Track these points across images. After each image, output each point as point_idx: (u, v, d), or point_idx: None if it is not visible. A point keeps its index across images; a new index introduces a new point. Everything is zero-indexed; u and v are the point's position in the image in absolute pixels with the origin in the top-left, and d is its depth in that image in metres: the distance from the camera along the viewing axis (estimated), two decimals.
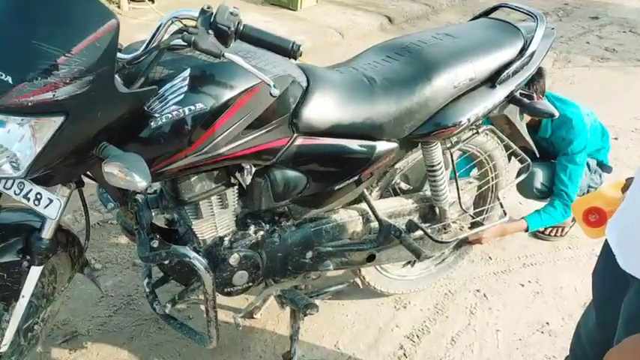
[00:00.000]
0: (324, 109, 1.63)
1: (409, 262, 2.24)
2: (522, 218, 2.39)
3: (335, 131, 1.67)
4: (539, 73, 2.22)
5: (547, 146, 2.46)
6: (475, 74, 1.82)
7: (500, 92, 1.89)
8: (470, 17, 2.22)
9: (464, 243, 2.30)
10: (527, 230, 2.41)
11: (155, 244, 1.60)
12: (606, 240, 1.43)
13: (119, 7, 4.76)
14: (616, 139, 3.72)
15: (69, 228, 1.66)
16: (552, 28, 2.06)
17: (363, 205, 1.92)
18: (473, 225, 2.13)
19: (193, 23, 1.35)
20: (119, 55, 1.34)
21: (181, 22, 1.39)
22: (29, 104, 1.16)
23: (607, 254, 1.38)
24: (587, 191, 2.58)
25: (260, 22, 4.86)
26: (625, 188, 1.45)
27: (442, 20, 5.91)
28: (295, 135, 1.60)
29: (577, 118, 2.40)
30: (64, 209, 1.44)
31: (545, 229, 2.75)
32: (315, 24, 5.17)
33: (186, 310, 2.18)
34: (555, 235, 2.75)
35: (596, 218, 1.45)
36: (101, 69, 1.21)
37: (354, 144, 1.71)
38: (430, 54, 1.82)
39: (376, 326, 2.20)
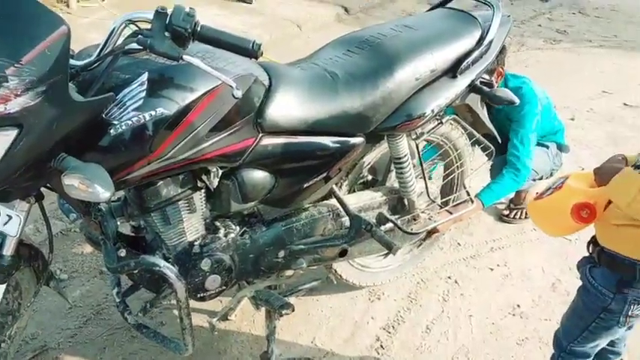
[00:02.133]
0: (288, 107, 1.61)
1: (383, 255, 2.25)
2: (475, 197, 2.28)
3: (300, 129, 1.65)
4: (502, 48, 2.21)
5: (504, 121, 2.46)
6: (436, 65, 1.83)
7: (462, 82, 1.91)
8: (426, 5, 2.23)
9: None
10: (483, 208, 2.35)
11: (122, 253, 1.56)
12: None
13: (68, 5, 4.61)
14: (572, 119, 3.82)
15: (31, 242, 1.61)
16: (508, 16, 2.09)
17: (333, 201, 1.91)
18: (441, 214, 2.15)
19: (148, 25, 1.31)
20: (72, 62, 1.29)
21: (136, 25, 1.35)
22: None
23: None
24: (551, 174, 2.63)
25: (215, 15, 4.78)
26: (599, 179, 1.46)
27: (398, 9, 5.94)
28: (261, 135, 1.58)
29: (526, 86, 2.43)
30: (24, 225, 1.39)
31: (510, 211, 2.80)
32: (271, 16, 5.12)
33: (159, 315, 2.14)
34: (520, 218, 2.80)
35: (588, 214, 1.43)
36: (54, 78, 1.16)
37: (320, 141, 1.70)
38: (390, 47, 1.82)
39: (352, 320, 2.21)
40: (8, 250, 1.42)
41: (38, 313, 2.11)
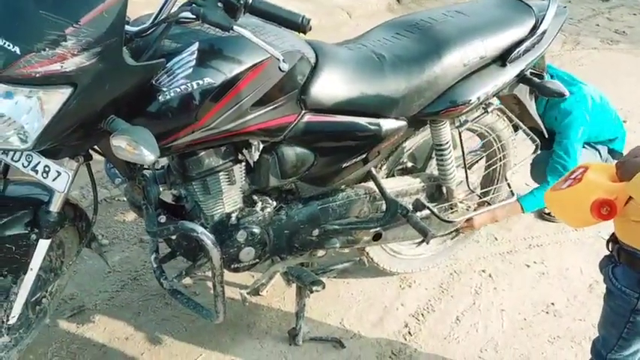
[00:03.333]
0: (332, 85, 1.62)
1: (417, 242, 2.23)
2: (516, 200, 2.23)
3: (343, 108, 1.66)
4: None
5: (552, 118, 2.38)
6: (486, 52, 1.80)
7: (511, 71, 1.87)
8: None
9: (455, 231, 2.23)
10: (522, 212, 2.32)
11: (162, 219, 1.60)
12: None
13: None
14: (625, 122, 3.68)
15: (77, 202, 1.67)
16: (564, 7, 2.03)
17: (371, 184, 1.91)
18: (480, 205, 2.13)
19: None
20: (127, 27, 1.33)
21: None
22: (37, 75, 1.15)
23: None
24: None
25: None
26: (621, 173, 1.41)
27: None
28: (303, 112, 1.59)
29: (572, 96, 2.27)
30: (72, 182, 1.44)
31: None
32: (322, 3, 5.12)
33: (193, 285, 2.19)
34: None
35: (608, 211, 1.38)
36: (109, 41, 1.20)
37: (362, 121, 1.70)
38: (440, 31, 1.80)
39: (381, 304, 2.21)
40: (55, 206, 1.48)
41: (78, 274, 2.19)
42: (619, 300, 1.47)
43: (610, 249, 1.50)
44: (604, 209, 1.35)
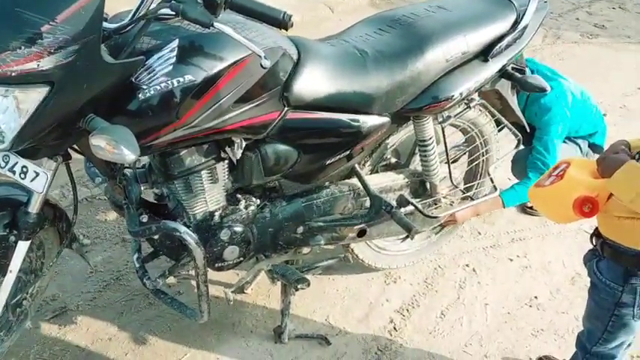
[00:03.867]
0: (315, 82, 1.61)
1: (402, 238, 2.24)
2: (498, 195, 2.23)
3: (326, 105, 1.65)
4: None
5: (532, 113, 2.39)
6: (468, 48, 1.81)
7: (493, 66, 1.88)
8: None
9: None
10: (504, 207, 2.34)
11: (144, 218, 1.59)
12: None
13: None
14: (605, 115, 3.72)
15: (56, 202, 1.64)
16: (545, 1, 2.04)
17: (355, 180, 1.91)
18: (463, 200, 2.14)
19: None
20: (105, 24, 1.31)
21: None
22: (12, 74, 1.13)
23: None
24: None
25: None
26: (602, 169, 1.42)
27: None
28: (286, 109, 1.58)
29: (552, 92, 2.28)
30: (51, 183, 1.42)
31: None
32: None
33: (177, 285, 2.17)
34: None
35: (590, 209, 1.38)
36: (87, 38, 1.18)
37: (345, 118, 1.69)
38: (423, 27, 1.80)
39: (366, 300, 2.21)
40: (34, 207, 1.45)
41: (59, 275, 2.16)
42: (603, 294, 1.49)
43: (594, 243, 1.52)
44: (586, 207, 1.36)
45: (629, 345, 1.61)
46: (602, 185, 1.37)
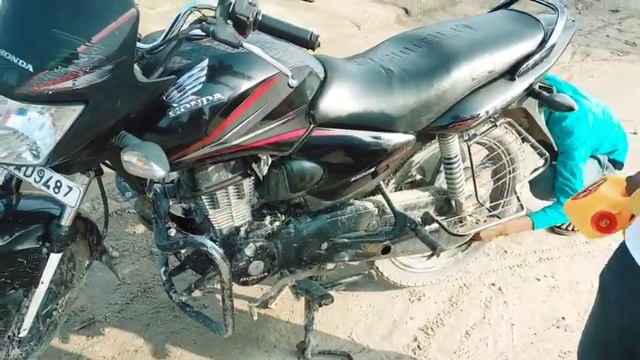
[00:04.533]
0: (341, 100, 1.63)
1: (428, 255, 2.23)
2: (527, 216, 2.26)
3: (352, 123, 1.67)
4: None
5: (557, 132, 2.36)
6: (494, 66, 1.81)
7: (520, 85, 1.88)
8: (488, 9, 2.20)
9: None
10: (533, 229, 2.31)
11: (172, 232, 1.62)
12: (622, 245, 1.41)
13: None
14: (634, 133, 3.67)
15: (88, 216, 1.68)
16: (573, 20, 2.04)
17: (379, 197, 1.92)
18: (489, 219, 2.12)
19: (212, 13, 1.35)
20: (138, 44, 1.35)
21: (200, 12, 1.40)
22: (49, 92, 1.17)
23: (623, 259, 1.37)
24: None
25: (273, 12, 4.83)
26: (629, 188, 1.40)
27: (459, 12, 5.86)
28: (312, 126, 1.60)
29: (572, 115, 2.23)
30: (83, 197, 1.46)
31: (562, 223, 2.72)
32: (330, 15, 5.15)
33: (202, 298, 2.20)
34: (572, 230, 2.72)
35: (607, 224, 1.36)
36: (121, 58, 1.21)
37: (370, 136, 1.70)
38: (449, 46, 1.81)
39: (390, 318, 2.20)
40: (67, 220, 1.49)
41: (89, 286, 2.20)
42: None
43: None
44: (603, 222, 1.35)
45: None
46: (625, 203, 1.36)
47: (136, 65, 1.29)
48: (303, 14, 5.05)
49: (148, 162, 1.25)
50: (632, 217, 1.35)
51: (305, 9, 5.22)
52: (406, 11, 5.60)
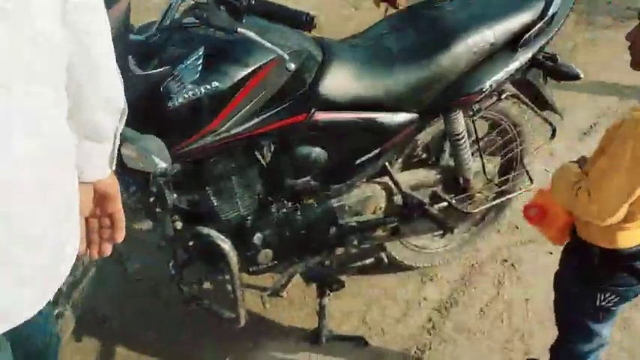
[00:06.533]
0: (341, 82, 1.60)
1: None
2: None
3: (353, 104, 1.64)
4: None
5: None
6: (495, 38, 1.77)
7: (522, 56, 1.83)
8: None
9: None
10: None
11: (178, 225, 1.61)
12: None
13: None
14: None
15: None
16: None
17: (386, 179, 1.89)
18: (498, 194, 2.10)
19: (205, 0, 1.32)
20: (131, 36, 1.32)
21: (192, 0, 1.37)
22: None
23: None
24: None
25: None
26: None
27: None
28: (313, 110, 1.58)
29: None
30: None
31: None
32: None
33: (212, 290, 2.19)
34: None
35: (536, 213, 1.45)
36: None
37: (373, 116, 1.68)
38: (447, 20, 1.78)
39: (403, 300, 2.19)
40: None
41: (98, 284, 2.19)
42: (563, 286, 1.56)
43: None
44: (532, 211, 1.45)
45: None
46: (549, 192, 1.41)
47: (130, 57, 1.27)
48: None
49: (148, 155, 1.23)
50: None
51: None
52: None
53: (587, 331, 1.51)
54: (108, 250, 1.06)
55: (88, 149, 0.91)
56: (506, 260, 2.38)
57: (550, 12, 1.83)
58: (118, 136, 0.98)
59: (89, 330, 2.03)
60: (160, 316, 2.10)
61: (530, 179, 2.10)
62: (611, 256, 1.36)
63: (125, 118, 0.97)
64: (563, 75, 1.93)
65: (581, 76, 1.91)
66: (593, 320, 1.48)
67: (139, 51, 1.36)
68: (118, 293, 2.19)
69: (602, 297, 1.41)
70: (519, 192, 2.12)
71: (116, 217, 1.02)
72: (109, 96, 0.90)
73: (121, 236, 1.04)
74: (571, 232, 1.47)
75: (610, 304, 1.43)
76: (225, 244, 1.56)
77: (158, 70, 1.31)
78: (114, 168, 1.01)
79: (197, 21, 1.32)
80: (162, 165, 1.25)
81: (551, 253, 2.42)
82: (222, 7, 1.30)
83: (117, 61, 1.19)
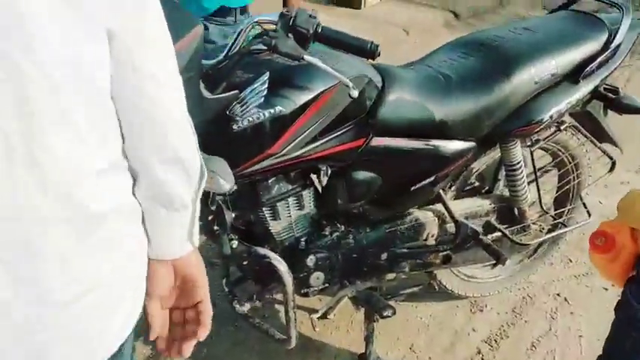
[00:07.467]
0: (399, 108, 1.61)
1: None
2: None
3: (411, 131, 1.65)
4: None
5: None
6: (557, 69, 1.75)
7: (584, 87, 1.81)
8: (540, 9, 2.16)
9: None
10: None
11: (235, 244, 1.63)
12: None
13: None
14: None
15: None
16: (639, 19, 1.95)
17: (439, 206, 1.88)
18: (554, 226, 2.05)
19: (272, 27, 1.37)
20: (203, 61, 1.37)
21: (261, 27, 1.41)
22: None
23: None
24: None
25: (322, 21, 4.86)
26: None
27: (510, 13, 5.73)
28: (371, 135, 1.59)
29: None
30: None
31: None
32: (379, 22, 5.14)
33: (262, 308, 2.21)
34: None
35: (603, 242, 1.34)
36: (187, 75, 1.23)
37: (430, 144, 1.68)
38: (509, 49, 1.77)
39: (452, 329, 2.16)
40: None
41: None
42: (625, 311, 1.40)
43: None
44: (598, 240, 1.35)
45: None
46: (622, 222, 1.34)
47: (200, 81, 1.32)
48: (350, 21, 5.06)
49: (214, 176, 1.27)
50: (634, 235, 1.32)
51: (352, 16, 5.23)
52: (455, 14, 5.53)
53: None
54: (188, 350, 0.90)
55: (159, 217, 0.78)
56: (559, 294, 2.33)
57: (614, 44, 1.81)
58: (198, 206, 0.84)
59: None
60: (209, 331, 2.12)
61: (588, 212, 2.05)
62: None
63: (204, 183, 0.84)
64: (625, 108, 1.90)
65: None
66: None
67: (209, 75, 1.41)
68: None
69: None
70: (577, 225, 2.07)
71: (201, 308, 0.87)
72: (177, 157, 0.77)
73: (204, 334, 0.89)
74: (636, 263, 1.43)
75: None
76: (282, 266, 1.58)
77: (226, 94, 1.36)
78: (197, 244, 0.85)
79: (265, 47, 1.36)
80: (227, 186, 1.29)
81: (605, 289, 2.36)
82: (289, 35, 1.34)
83: (189, 86, 1.25)
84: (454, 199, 1.95)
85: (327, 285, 1.77)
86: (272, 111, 1.39)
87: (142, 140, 0.74)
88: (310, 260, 1.70)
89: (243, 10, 2.34)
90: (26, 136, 0.59)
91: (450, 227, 1.90)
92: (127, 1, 0.66)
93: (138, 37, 0.68)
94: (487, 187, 2.08)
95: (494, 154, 1.91)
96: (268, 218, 1.65)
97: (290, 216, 1.66)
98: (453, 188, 1.92)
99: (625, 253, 1.37)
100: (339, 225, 1.77)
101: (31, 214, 0.62)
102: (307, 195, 1.67)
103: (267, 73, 1.41)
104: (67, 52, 0.60)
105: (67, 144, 0.63)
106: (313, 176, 1.63)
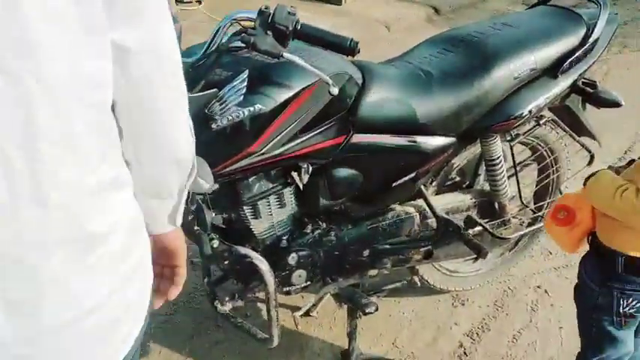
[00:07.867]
0: (380, 105, 1.61)
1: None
2: None
3: (391, 127, 1.65)
4: None
5: None
6: (536, 64, 1.76)
7: (563, 82, 1.83)
8: (519, 4, 2.15)
9: None
10: None
11: (215, 244, 1.62)
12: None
13: None
14: None
15: None
16: (616, 13, 1.97)
17: (420, 202, 1.89)
18: (534, 220, 2.07)
19: (252, 24, 1.35)
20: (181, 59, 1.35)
21: (239, 24, 1.40)
22: None
23: None
24: None
25: (303, 17, 4.80)
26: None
27: (490, 8, 5.75)
28: (352, 133, 1.59)
29: None
30: None
31: None
32: (360, 18, 5.12)
33: (244, 308, 2.19)
34: None
35: (565, 215, 1.43)
36: None
37: (410, 140, 1.68)
38: (488, 45, 1.77)
39: (434, 324, 2.17)
40: None
41: None
42: (583, 295, 1.51)
43: (588, 241, 1.51)
44: (560, 213, 1.43)
45: None
46: (581, 196, 1.43)
47: None
48: (331, 18, 5.04)
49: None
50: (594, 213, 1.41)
51: (333, 13, 5.21)
52: (436, 10, 5.53)
53: (610, 339, 1.49)
54: (158, 304, 0.97)
55: (146, 204, 0.80)
56: (539, 286, 2.35)
57: (592, 38, 1.83)
58: (185, 193, 0.86)
59: None
60: (191, 331, 2.11)
61: None
62: (638, 263, 1.37)
63: (194, 175, 0.86)
64: (603, 102, 1.91)
65: (622, 103, 1.89)
66: (615, 326, 1.47)
67: (187, 73, 1.38)
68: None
69: (625, 303, 1.42)
70: None
71: (177, 271, 0.94)
72: (177, 158, 0.79)
73: (175, 293, 0.96)
74: (590, 241, 1.46)
75: (633, 310, 1.43)
76: (263, 265, 1.57)
77: (204, 92, 1.34)
78: (179, 224, 0.90)
79: (244, 45, 1.34)
80: (207, 186, 1.27)
81: None
82: (268, 32, 1.32)
83: None
84: (435, 194, 1.96)
85: (309, 283, 1.77)
86: (251, 109, 1.38)
87: (142, 141, 0.75)
88: (292, 258, 1.70)
89: None
90: (28, 158, 0.59)
91: (432, 222, 1.91)
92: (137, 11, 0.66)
93: (148, 48, 0.70)
94: (468, 182, 2.09)
95: (475, 149, 1.92)
96: (249, 217, 1.64)
97: (271, 214, 1.65)
98: (434, 184, 1.93)
99: (581, 227, 1.42)
100: (320, 222, 1.76)
101: (31, 236, 0.61)
102: (288, 193, 1.66)
103: (247, 71, 1.39)
104: (73, 73, 0.60)
105: (68, 165, 0.62)
106: (294, 174, 1.62)
